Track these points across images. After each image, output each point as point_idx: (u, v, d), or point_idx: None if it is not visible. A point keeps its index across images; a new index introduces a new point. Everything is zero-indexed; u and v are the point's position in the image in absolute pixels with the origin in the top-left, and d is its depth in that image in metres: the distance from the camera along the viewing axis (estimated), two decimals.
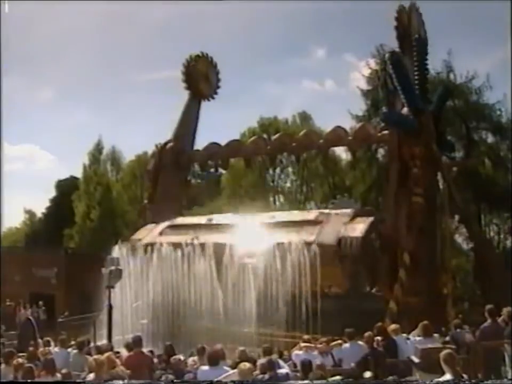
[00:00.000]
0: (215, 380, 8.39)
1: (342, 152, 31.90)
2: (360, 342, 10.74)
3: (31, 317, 18.84)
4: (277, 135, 23.90)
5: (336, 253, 18.53)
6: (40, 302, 26.39)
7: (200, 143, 25.65)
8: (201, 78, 25.45)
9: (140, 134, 70.42)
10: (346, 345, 11.05)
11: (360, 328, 11.17)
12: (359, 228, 18.76)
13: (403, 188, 18.73)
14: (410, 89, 19.12)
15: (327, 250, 18.48)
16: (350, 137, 20.98)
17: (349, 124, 26.01)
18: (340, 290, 18.47)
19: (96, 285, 18.09)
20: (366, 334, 10.62)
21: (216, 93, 26.41)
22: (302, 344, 11.56)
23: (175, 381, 9.33)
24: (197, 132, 25.80)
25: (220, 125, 49.80)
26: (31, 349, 11.81)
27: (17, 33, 57.16)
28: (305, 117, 40.89)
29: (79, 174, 46.91)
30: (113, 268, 16.81)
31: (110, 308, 16.61)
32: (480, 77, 29.65)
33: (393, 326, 11.69)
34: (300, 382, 8.57)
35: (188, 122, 25.17)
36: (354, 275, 18.95)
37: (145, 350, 10.87)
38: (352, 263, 18.59)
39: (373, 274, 19.26)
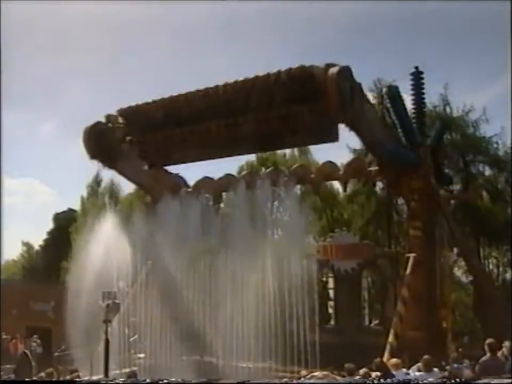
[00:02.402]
0: None
1: (340, 186, 31.85)
2: (358, 378, 10.61)
3: (27, 351, 18.65)
4: (268, 170, 23.74)
5: None
6: (35, 336, 26.12)
7: (197, 176, 25.58)
8: None
9: None
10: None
11: (358, 363, 11.06)
12: None
13: None
14: (408, 123, 19.25)
15: None
16: (340, 172, 20.95)
17: (347, 158, 25.95)
18: None
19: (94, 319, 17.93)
20: (361, 371, 10.49)
21: None
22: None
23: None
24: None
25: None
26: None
27: (18, 68, 57.86)
28: (303, 151, 40.90)
29: (77, 207, 46.94)
30: (110, 301, 16.65)
31: (107, 342, 16.43)
32: (476, 110, 29.94)
33: (393, 361, 11.61)
34: None
35: None
36: None
37: None
38: None
39: None
